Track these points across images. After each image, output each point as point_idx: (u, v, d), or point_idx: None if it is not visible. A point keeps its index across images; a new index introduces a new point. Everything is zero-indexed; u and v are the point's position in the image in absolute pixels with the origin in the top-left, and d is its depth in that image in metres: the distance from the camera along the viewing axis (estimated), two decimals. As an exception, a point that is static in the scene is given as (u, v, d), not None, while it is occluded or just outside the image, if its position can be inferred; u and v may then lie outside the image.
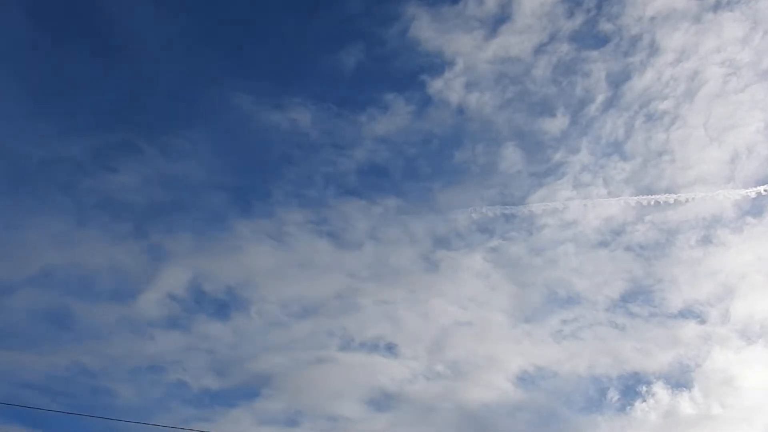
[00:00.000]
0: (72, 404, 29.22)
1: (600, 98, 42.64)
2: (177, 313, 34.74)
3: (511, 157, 42.92)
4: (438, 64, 43.25)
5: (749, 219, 38.67)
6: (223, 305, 35.96)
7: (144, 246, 36.02)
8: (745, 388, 34.59)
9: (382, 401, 34.99)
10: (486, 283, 39.99)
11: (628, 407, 35.15)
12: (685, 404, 34.83)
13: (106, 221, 35.98)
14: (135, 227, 36.24)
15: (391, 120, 42.80)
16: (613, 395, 35.58)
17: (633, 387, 35.60)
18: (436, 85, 43.07)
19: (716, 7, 42.06)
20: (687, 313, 37.50)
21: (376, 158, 42.50)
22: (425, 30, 42.90)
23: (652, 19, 42.29)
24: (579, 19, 43.09)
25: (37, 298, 32.01)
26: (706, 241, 39.25)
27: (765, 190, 36.29)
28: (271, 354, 35.16)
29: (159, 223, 37.24)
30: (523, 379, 36.52)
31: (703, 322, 37.16)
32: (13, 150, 34.91)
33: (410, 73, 43.90)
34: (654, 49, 42.36)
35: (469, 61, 43.46)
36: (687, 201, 39.13)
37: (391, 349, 36.70)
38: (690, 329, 37.16)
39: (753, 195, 37.11)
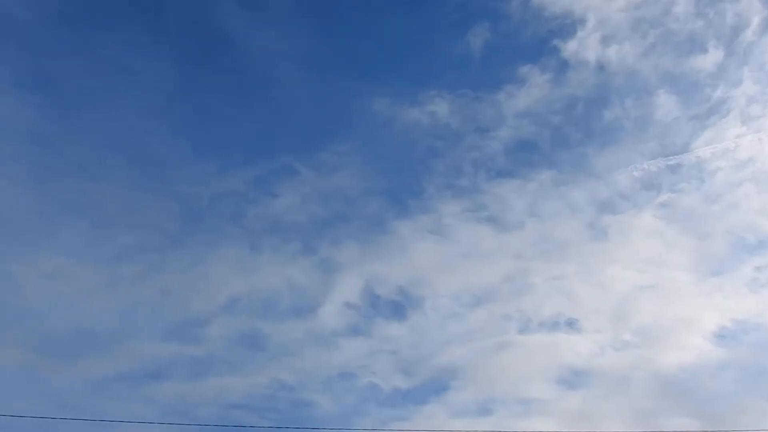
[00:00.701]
0: (277, 418, 30.97)
1: (756, 21, 39.12)
2: (356, 320, 35.87)
3: (666, 104, 40.43)
4: (569, 25, 41.55)
5: None
6: (398, 306, 36.66)
7: (315, 261, 37.57)
8: None
9: (573, 379, 34.16)
10: (661, 242, 37.96)
11: None
12: None
13: (277, 244, 37.92)
14: (303, 245, 37.86)
15: (530, 93, 41.66)
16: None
17: None
18: (570, 48, 41.38)
19: None
20: None
21: (522, 134, 41.54)
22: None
23: None
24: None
25: (229, 325, 34.23)
26: None
27: None
28: (453, 347, 35.34)
29: (325, 237, 38.66)
30: (722, 336, 34.28)
31: None
32: (183, 193, 37.75)
33: (541, 41, 42.52)
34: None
35: (600, 14, 41.40)
36: None
37: (571, 324, 35.80)
38: None
39: None
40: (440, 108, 41.12)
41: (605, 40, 41.26)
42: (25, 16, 36.13)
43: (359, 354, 34.71)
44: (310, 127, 41.80)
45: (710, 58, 39.91)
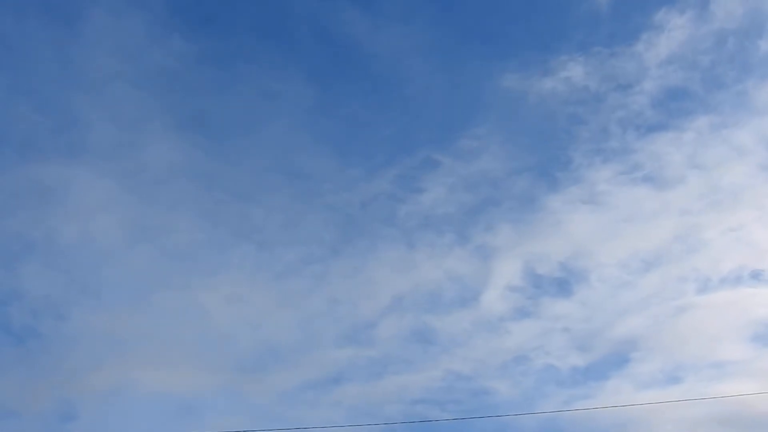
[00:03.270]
0: (458, 409, 31.35)
1: None
2: (521, 302, 35.44)
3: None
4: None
5: None
6: (563, 282, 35.77)
7: (470, 250, 37.50)
8: None
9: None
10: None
11: None
12: None
13: (431, 238, 38.24)
14: (457, 235, 37.91)
15: (671, 36, 38.82)
16: None
17: None
18: (660, 14, 38.36)
19: None
20: None
21: (669, 82, 38.83)
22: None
23: None
24: None
25: (397, 324, 35.04)
26: None
27: None
28: (627, 317, 34.01)
29: (477, 224, 38.47)
30: None
31: None
32: (334, 202, 39.03)
33: (629, 8, 39.72)
34: None
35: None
36: None
37: (758, 276, 33.30)
38: None
39: None
40: (575, 72, 39.49)
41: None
42: (168, 63, 39.01)
43: (530, 336, 34.32)
44: (445, 117, 41.73)
45: None
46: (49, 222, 34.80)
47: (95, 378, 31.45)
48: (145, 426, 29.07)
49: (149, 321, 33.55)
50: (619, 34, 40.70)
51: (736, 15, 38.53)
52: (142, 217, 36.69)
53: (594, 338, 33.82)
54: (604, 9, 40.48)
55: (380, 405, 31.50)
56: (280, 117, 41.25)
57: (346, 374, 33.48)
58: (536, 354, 33.59)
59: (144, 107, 39.04)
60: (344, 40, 42.66)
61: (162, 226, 36.71)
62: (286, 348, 34.32)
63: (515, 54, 42.38)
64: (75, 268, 34.49)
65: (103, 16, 37.82)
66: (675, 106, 39.28)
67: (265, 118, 41.39)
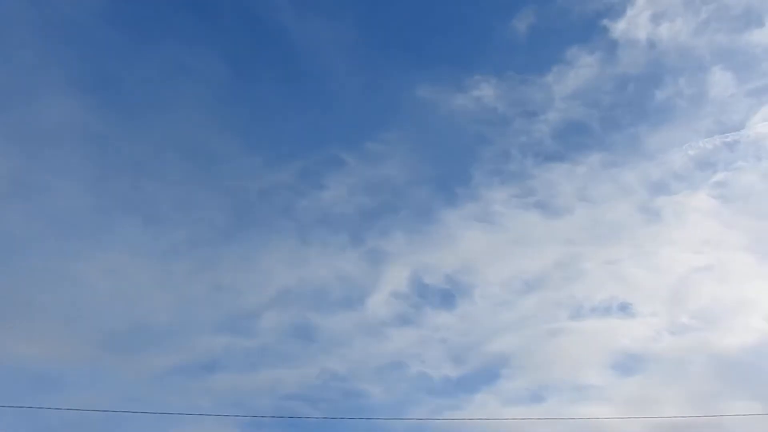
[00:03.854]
0: (329, 409, 31.37)
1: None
2: (405, 309, 36.00)
3: (721, 80, 39.14)
4: (617, 5, 40.41)
5: None
6: (447, 294, 36.65)
7: (362, 252, 37.76)
8: None
9: (628, 364, 33.66)
10: (718, 222, 36.96)
11: None
12: None
13: (325, 235, 38.23)
14: (351, 236, 38.10)
15: (579, 74, 40.79)
16: None
17: None
18: (619, 27, 40.28)
19: None
20: None
21: (571, 116, 40.74)
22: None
23: None
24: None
25: (280, 317, 34.75)
26: None
27: None
28: (503, 334, 35.17)
29: (372, 228, 38.81)
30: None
31: None
32: (233, 187, 38.38)
33: (589, 21, 41.52)
34: None
35: (651, -11, 40.26)
36: None
37: (625, 309, 35.26)
38: None
39: None
40: (486, 93, 40.69)
41: (656, 18, 40.12)
42: (77, 15, 37.07)
43: (409, 343, 34.89)
44: (357, 117, 41.91)
45: (767, 32, 38.48)
46: None
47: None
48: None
49: (14, 283, 31.69)
50: (532, 63, 42.34)
51: (639, 63, 40.99)
52: (22, 173, 34.72)
53: (469, 352, 34.83)
54: (521, 37, 41.94)
55: (251, 397, 31.10)
56: (189, 92, 40.01)
57: (220, 362, 32.92)
58: (412, 361, 34.21)
59: (43, 56, 36.95)
60: (268, 24, 41.97)
61: (43, 186, 34.87)
62: (161, 329, 33.31)
63: (432, 67, 43.20)
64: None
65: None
66: (573, 139, 41.24)
67: (173, 90, 40.07)
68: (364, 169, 40.06)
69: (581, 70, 40.82)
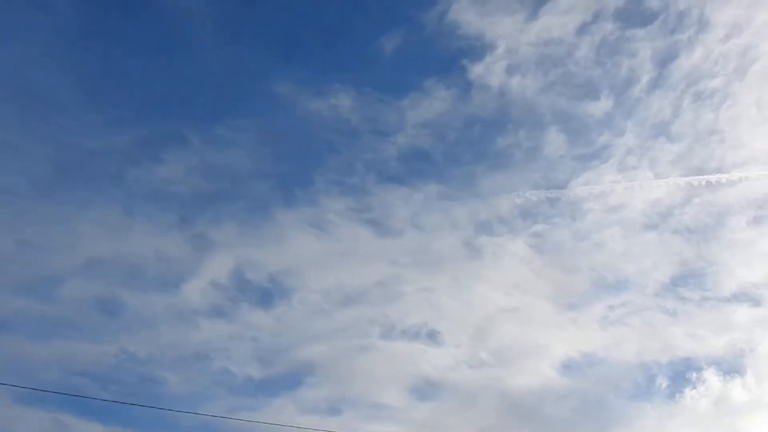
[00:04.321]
0: (121, 392, 29.97)
1: (645, 78, 41.55)
2: (221, 301, 35.26)
3: (555, 140, 42.23)
4: (478, 48, 42.55)
5: (803, 199, 37.41)
6: (266, 294, 36.35)
7: (189, 235, 36.58)
8: (801, 374, 33.60)
9: (425, 389, 35.04)
10: (530, 269, 39.61)
11: (678, 394, 34.52)
12: (737, 391, 34.02)
13: (153, 211, 36.60)
14: (180, 217, 36.80)
15: (433, 105, 42.40)
16: (662, 382, 34.95)
17: (683, 373, 34.95)
18: (477, 70, 42.44)
19: (770, -22, 40.24)
20: (740, 297, 36.62)
21: (418, 144, 42.21)
22: (465, 13, 42.22)
23: (703, -8, 40.98)
24: (625, -4, 41.96)
25: (86, 287, 32.80)
26: (758, 221, 38.24)
27: (821, 170, 35.09)
28: (314, 343, 35.43)
29: (203, 212, 37.73)
30: (569, 366, 36.15)
31: (757, 305, 36.25)
32: (62, 141, 35.76)
33: (450, 57, 43.32)
34: (703, 25, 40.95)
35: (510, 43, 42.69)
36: (738, 181, 38.05)
37: (433, 336, 36.68)
38: (743, 313, 36.30)
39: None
40: (343, 103, 41.12)
41: (510, 70, 42.64)
42: None
43: (218, 336, 34.19)
44: (211, 97, 40.67)
45: (601, 106, 42.02)
46: None
47: None
48: None
49: None
50: (391, 85, 43.35)
51: (487, 108, 43.28)
52: None
53: (277, 355, 34.73)
54: (386, 57, 42.88)
55: (37, 367, 28.97)
56: (33, 29, 36.89)
57: (10, 325, 30.41)
58: (218, 355, 33.53)
59: None
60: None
61: None
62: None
63: (296, 67, 42.91)
64: None
65: None
66: (415, 166, 42.61)
67: (13, 23, 36.72)
68: (207, 152, 38.93)
69: (435, 102, 42.48)
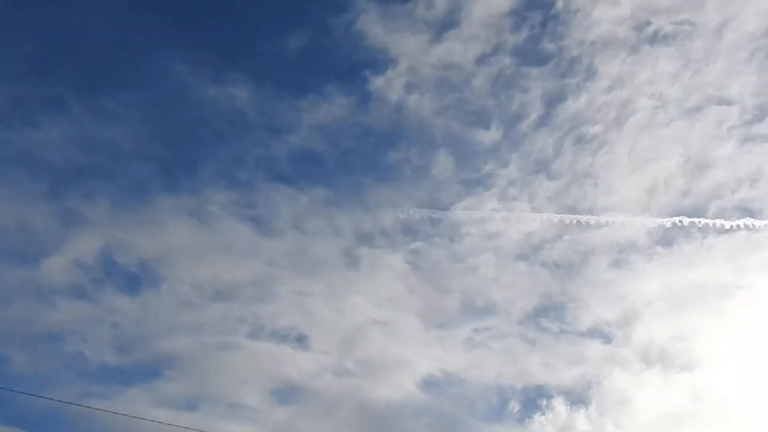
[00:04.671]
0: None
1: (534, 116, 43.48)
2: (83, 282, 33.51)
3: (443, 162, 43.32)
4: (381, 61, 43.17)
5: (659, 248, 39.99)
6: (134, 279, 34.90)
7: (57, 209, 34.58)
8: (639, 410, 35.83)
9: (287, 393, 34.75)
10: (404, 285, 40.21)
11: (527, 419, 35.98)
12: (581, 420, 35.90)
13: (20, 178, 34.44)
14: (50, 188, 34.77)
15: (330, 110, 42.44)
16: (515, 406, 36.35)
17: (534, 400, 36.47)
18: (377, 82, 42.99)
19: (653, 41, 43.13)
20: (594, 333, 38.66)
21: (311, 146, 42.12)
22: (373, 25, 42.74)
23: (593, 43, 43.36)
24: (523, 35, 43.83)
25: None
26: (618, 264, 40.44)
27: (679, 222, 37.97)
28: (178, 335, 34.36)
29: (76, 186, 35.81)
30: (430, 383, 36.88)
31: (607, 342, 38.38)
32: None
33: (353, 65, 43.66)
34: (591, 74, 43.46)
35: (412, 62, 43.57)
36: (605, 224, 40.40)
37: (302, 341, 36.49)
38: (595, 348, 38.33)
39: (668, 225, 38.67)
40: (240, 94, 40.43)
41: (409, 87, 43.52)
42: None
43: (75, 318, 32.55)
44: (100, 63, 38.71)
45: (490, 135, 43.58)
46: None
47: None
48: None
49: None
50: (291, 84, 43.14)
51: (384, 121, 43.77)
52: None
53: (138, 343, 33.40)
54: (290, 56, 42.61)
55: None
56: None
57: None
58: (73, 338, 31.89)
59: None
60: None
61: None
62: None
63: (198, 51, 41.65)
64: None
65: None
66: (305, 168, 42.48)
67: None
68: (88, 123, 37.05)
69: (333, 107, 42.59)
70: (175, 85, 39.86)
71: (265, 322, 36.15)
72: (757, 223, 36.53)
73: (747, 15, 40.50)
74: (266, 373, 35.12)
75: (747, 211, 37.84)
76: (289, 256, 39.08)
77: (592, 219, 39.92)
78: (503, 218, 41.56)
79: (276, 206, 40.07)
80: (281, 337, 36.23)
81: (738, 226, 36.93)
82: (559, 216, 40.53)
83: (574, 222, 40.21)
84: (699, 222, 37.60)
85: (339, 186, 42.15)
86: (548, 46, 43.77)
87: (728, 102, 40.66)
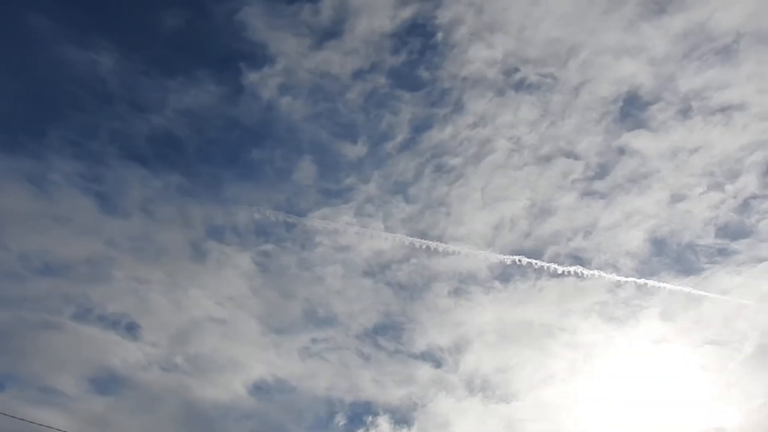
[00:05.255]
0: None
1: (400, 138, 44.55)
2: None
3: (306, 169, 43.21)
4: (259, 57, 42.51)
5: (497, 283, 42.04)
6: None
7: None
8: (457, 435, 37.46)
9: (107, 383, 33.01)
10: (249, 285, 39.56)
11: (351, 434, 36.41)
12: (402, 440, 36.83)
13: None
14: None
15: (200, 96, 41.14)
16: (341, 420, 36.68)
17: (361, 415, 37.01)
18: (252, 77, 42.29)
19: (518, 87, 45.33)
20: (426, 356, 39.95)
21: (173, 130, 40.55)
22: (255, 19, 42.06)
23: (464, 79, 45.13)
24: (401, 58, 44.94)
25: None
26: (458, 293, 42.05)
27: (519, 261, 40.24)
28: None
29: None
30: (260, 388, 36.42)
31: (437, 366, 39.80)
32: None
33: (229, 55, 42.66)
34: (458, 108, 45.24)
35: (290, 63, 43.29)
36: (452, 253, 41.98)
37: (131, 329, 34.85)
38: (425, 371, 39.61)
39: (508, 262, 40.87)
40: (105, 62, 38.43)
41: (284, 88, 43.31)
42: None
43: None
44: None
45: (356, 150, 44.25)
46: None
47: None
48: None
49: None
50: (162, 61, 41.47)
51: (252, 117, 43.21)
52: None
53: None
54: (165, 33, 41.01)
55: None
56: None
57: None
58: None
59: None
60: None
61: None
62: None
63: (66, 17, 38.98)
64: None
65: None
66: (164, 151, 41.01)
67: None
68: None
69: (203, 94, 41.30)
70: (32, 39, 36.90)
71: (95, 305, 34.25)
72: (586, 272, 39.64)
73: (602, 80, 43.89)
74: (87, 359, 33.14)
75: (578, 260, 41.02)
76: (132, 239, 37.20)
77: (441, 246, 41.44)
78: (356, 233, 42.10)
79: (125, 185, 38.12)
80: (110, 322, 34.48)
81: (569, 272, 39.87)
82: (410, 239, 41.73)
83: (423, 247, 41.59)
84: (536, 264, 40.14)
85: (196, 175, 40.84)
86: (423, 73, 45.18)
87: (576, 156, 43.78)
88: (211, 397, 35.07)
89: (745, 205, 39.42)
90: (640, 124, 42.62)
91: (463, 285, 41.81)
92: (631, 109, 42.99)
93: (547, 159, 44.20)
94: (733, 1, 40.63)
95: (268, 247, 40.36)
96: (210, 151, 41.68)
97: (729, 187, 39.72)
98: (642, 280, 38.62)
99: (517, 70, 44.52)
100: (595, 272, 39.31)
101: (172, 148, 40.52)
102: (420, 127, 44.82)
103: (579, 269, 39.70)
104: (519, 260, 40.19)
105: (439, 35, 44.65)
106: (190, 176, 40.05)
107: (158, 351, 34.83)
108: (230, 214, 39.93)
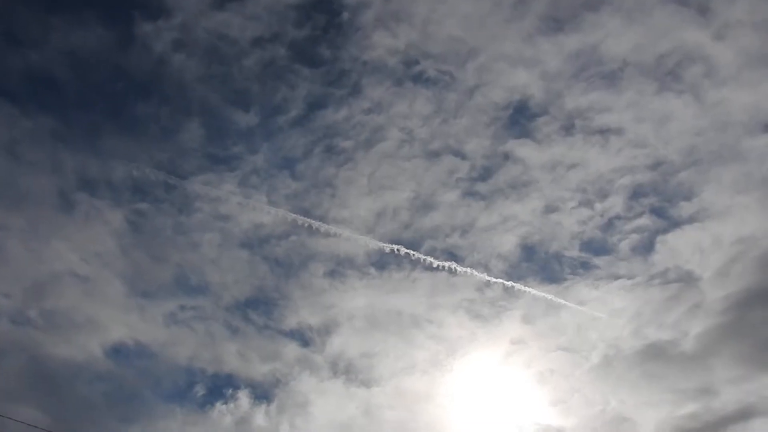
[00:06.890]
0: None
1: (293, 113, 44.16)
2: None
3: (194, 132, 42.05)
4: (155, 8, 42.02)
5: (373, 270, 42.92)
6: None
7: None
8: (316, 415, 37.89)
9: None
10: (118, 243, 38.06)
11: (209, 405, 35.96)
12: (260, 416, 36.78)
13: None
14: None
15: (86, 38, 39.92)
16: (200, 390, 36.10)
17: (221, 388, 36.63)
18: (145, 27, 41.36)
19: (416, 80, 46.07)
20: (295, 334, 40.15)
21: (53, 71, 39.10)
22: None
23: (365, 63, 45.34)
24: (304, 32, 44.46)
25: None
26: (333, 275, 42.58)
27: (397, 250, 40.94)
28: None
29: None
30: (119, 352, 35.20)
31: (305, 346, 40.10)
32: None
33: (123, 1, 40.46)
34: (356, 91, 45.42)
35: (188, 20, 43.09)
36: (332, 235, 42.13)
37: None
38: (292, 349, 39.80)
39: (386, 250, 41.47)
40: None
41: (178, 45, 42.28)
42: None
43: None
44: None
45: (248, 119, 43.98)
46: None
47: None
48: None
49: None
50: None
51: (141, 69, 41.60)
52: None
53: None
54: None
55: None
56: None
57: None
58: None
59: None
60: None
61: None
62: None
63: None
64: None
65: None
66: (40, 91, 39.14)
67: None
68: None
69: (90, 36, 40.30)
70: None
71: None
72: (459, 268, 41.01)
73: (496, 86, 45.50)
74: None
75: (453, 256, 42.37)
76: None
77: (322, 227, 41.49)
78: (239, 203, 41.35)
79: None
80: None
81: (443, 267, 41.06)
82: (293, 215, 41.46)
83: (305, 225, 41.48)
84: (413, 255, 41.04)
85: (73, 122, 38.58)
86: (324, 51, 44.90)
87: (463, 156, 45.23)
88: (64, 355, 33.49)
89: (609, 225, 42.31)
90: (526, 134, 44.61)
91: (339, 267, 42.24)
92: (520, 118, 44.91)
93: (436, 155, 45.45)
94: (625, 29, 43.27)
95: (144, 206, 38.94)
96: (91, 98, 39.48)
97: (598, 206, 42.54)
98: (509, 283, 40.55)
99: (417, 62, 45.29)
100: (468, 270, 40.78)
101: (49, 89, 38.09)
102: (315, 104, 44.65)
103: (453, 265, 41.04)
104: (397, 249, 40.97)
105: (345, 15, 44.57)
106: (65, 122, 37.82)
107: (10, 302, 32.88)
108: (106, 168, 38.09)
